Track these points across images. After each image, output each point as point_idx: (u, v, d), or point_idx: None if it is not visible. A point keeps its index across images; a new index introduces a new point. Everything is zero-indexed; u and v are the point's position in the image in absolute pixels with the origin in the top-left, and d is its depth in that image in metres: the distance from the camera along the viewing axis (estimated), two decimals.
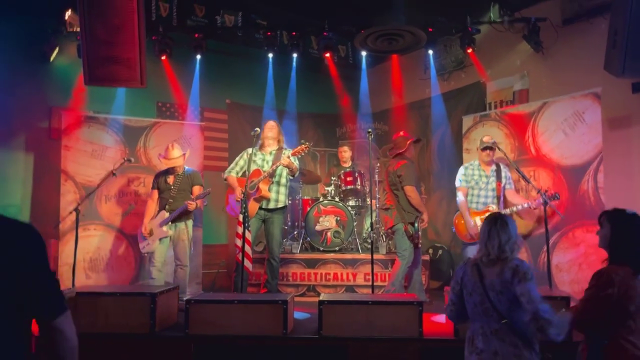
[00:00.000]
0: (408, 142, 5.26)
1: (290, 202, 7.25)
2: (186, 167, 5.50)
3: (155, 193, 5.44)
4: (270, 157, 5.32)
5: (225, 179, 5.40)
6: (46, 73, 6.65)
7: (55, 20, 6.28)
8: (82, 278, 5.88)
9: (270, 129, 5.39)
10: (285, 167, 5.07)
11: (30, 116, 6.60)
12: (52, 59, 6.55)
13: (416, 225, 5.14)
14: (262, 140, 5.40)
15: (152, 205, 5.42)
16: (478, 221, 4.98)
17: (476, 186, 5.18)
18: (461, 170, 5.32)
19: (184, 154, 5.40)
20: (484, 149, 5.16)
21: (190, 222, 5.39)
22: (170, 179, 5.39)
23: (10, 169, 6.40)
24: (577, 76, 5.91)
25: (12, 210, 6.33)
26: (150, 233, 5.30)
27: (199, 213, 6.50)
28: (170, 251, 5.39)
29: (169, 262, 5.48)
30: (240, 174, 5.35)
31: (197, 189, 5.37)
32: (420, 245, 5.29)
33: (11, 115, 6.36)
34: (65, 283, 5.69)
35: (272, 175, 5.15)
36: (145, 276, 5.91)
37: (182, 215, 5.25)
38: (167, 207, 5.31)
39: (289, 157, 5.03)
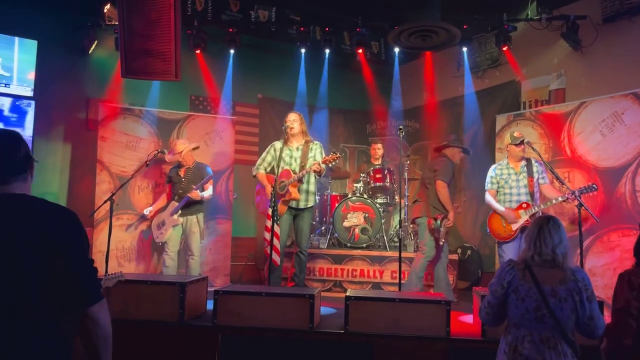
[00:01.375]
0: (454, 146, 5.36)
1: (318, 197, 7.28)
2: (198, 162, 5.71)
3: (169, 187, 5.73)
4: (298, 152, 5.25)
5: (255, 176, 5.40)
6: (84, 65, 6.84)
7: (94, 14, 6.44)
8: (115, 266, 6.02)
9: (293, 122, 5.23)
10: (316, 172, 5.05)
11: (68, 107, 6.81)
12: (90, 51, 6.72)
13: (439, 221, 5.12)
14: (287, 135, 5.30)
15: (165, 197, 5.75)
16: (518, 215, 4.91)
17: (506, 185, 5.04)
18: (490, 171, 5.19)
19: (185, 148, 5.59)
20: (519, 144, 5.00)
21: (201, 215, 5.63)
22: (182, 172, 5.62)
23: (48, 158, 6.60)
24: (616, 76, 5.75)
25: (49, 198, 6.45)
26: (163, 223, 5.55)
27: (228, 206, 6.59)
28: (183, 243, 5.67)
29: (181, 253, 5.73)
30: (268, 170, 5.34)
31: (207, 183, 5.60)
32: (442, 243, 5.25)
33: (50, 107, 6.57)
34: (98, 271, 5.85)
35: (300, 179, 5.13)
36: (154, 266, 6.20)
37: (192, 206, 5.50)
38: (176, 197, 5.55)
39: (319, 165, 4.97)
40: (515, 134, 5.10)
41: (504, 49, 6.60)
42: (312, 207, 5.32)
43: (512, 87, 7.10)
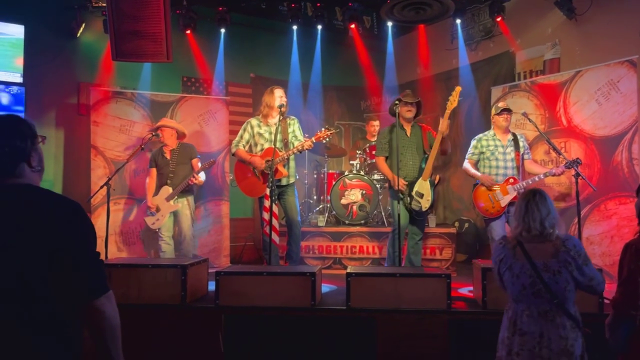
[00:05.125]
0: (395, 105, 4.96)
1: (315, 176, 7.27)
2: (181, 142, 5.64)
3: (154, 171, 5.57)
4: (278, 129, 5.02)
5: (234, 154, 5.23)
6: (73, 49, 6.74)
7: None
8: (114, 251, 6.03)
9: (283, 99, 5.08)
10: (305, 149, 4.98)
11: (59, 92, 6.72)
12: (79, 34, 6.61)
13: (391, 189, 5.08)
14: (268, 110, 5.13)
15: (152, 183, 5.56)
16: (499, 195, 4.84)
17: (492, 157, 4.94)
18: (473, 141, 5.08)
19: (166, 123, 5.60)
20: (501, 112, 4.94)
21: (191, 198, 5.58)
22: (167, 154, 5.51)
23: (42, 145, 6.52)
24: (611, 44, 5.70)
25: (44, 186, 6.44)
26: (157, 209, 5.43)
27: (224, 187, 6.58)
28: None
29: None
30: (246, 148, 5.20)
31: (196, 162, 5.53)
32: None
33: (41, 92, 6.48)
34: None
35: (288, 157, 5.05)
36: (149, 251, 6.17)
37: (184, 189, 5.42)
38: (168, 182, 5.42)
39: (312, 142, 4.89)
40: (499, 104, 5.07)
41: (498, 19, 6.54)
42: (294, 182, 5.25)
43: (507, 58, 7.05)
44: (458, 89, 4.90)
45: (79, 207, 1.63)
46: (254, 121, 5.22)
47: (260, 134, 5.14)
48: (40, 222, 1.54)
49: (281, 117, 5.03)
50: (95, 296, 1.59)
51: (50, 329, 1.54)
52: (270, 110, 5.13)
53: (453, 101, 4.84)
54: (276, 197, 5.06)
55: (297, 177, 5.42)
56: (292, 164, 5.20)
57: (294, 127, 5.21)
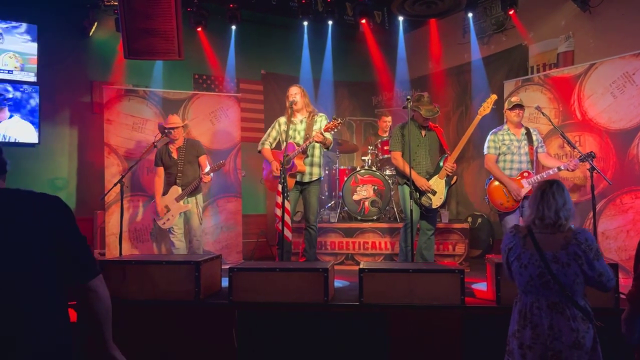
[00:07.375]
0: (406, 108, 4.92)
1: (327, 172, 7.27)
2: (187, 138, 5.51)
3: (161, 170, 5.44)
4: (302, 125, 5.15)
5: (260, 151, 5.32)
6: (86, 48, 6.80)
7: None
8: (128, 247, 6.08)
9: (295, 96, 5.10)
10: (319, 142, 4.97)
11: (72, 91, 6.80)
12: (91, 33, 6.66)
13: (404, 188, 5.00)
14: (290, 111, 5.15)
15: (160, 182, 5.44)
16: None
17: (508, 151, 4.89)
18: (490, 136, 5.02)
19: (182, 126, 5.43)
20: (513, 107, 4.88)
21: (200, 196, 5.47)
22: (174, 153, 5.37)
23: (56, 144, 6.61)
24: (626, 36, 5.62)
25: (59, 183, 6.58)
26: (167, 209, 5.34)
27: (237, 184, 6.60)
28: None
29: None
30: (273, 145, 5.27)
31: (203, 159, 5.43)
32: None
33: (55, 91, 6.56)
34: (112, 252, 5.91)
35: (304, 151, 5.06)
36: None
37: (194, 189, 5.35)
38: (177, 181, 5.31)
39: (322, 133, 4.89)
40: (512, 99, 5.01)
41: (510, 12, 6.47)
42: (318, 180, 5.22)
43: (520, 52, 6.97)
44: (494, 97, 4.89)
45: (60, 200, 1.74)
46: (282, 119, 5.28)
47: (286, 132, 5.17)
48: (31, 220, 1.63)
49: (307, 115, 5.14)
50: (90, 277, 1.71)
51: (46, 319, 1.60)
52: (290, 111, 5.15)
53: (487, 107, 4.84)
54: (289, 193, 5.06)
55: (322, 177, 5.38)
56: (317, 160, 5.19)
57: (321, 123, 5.13)
